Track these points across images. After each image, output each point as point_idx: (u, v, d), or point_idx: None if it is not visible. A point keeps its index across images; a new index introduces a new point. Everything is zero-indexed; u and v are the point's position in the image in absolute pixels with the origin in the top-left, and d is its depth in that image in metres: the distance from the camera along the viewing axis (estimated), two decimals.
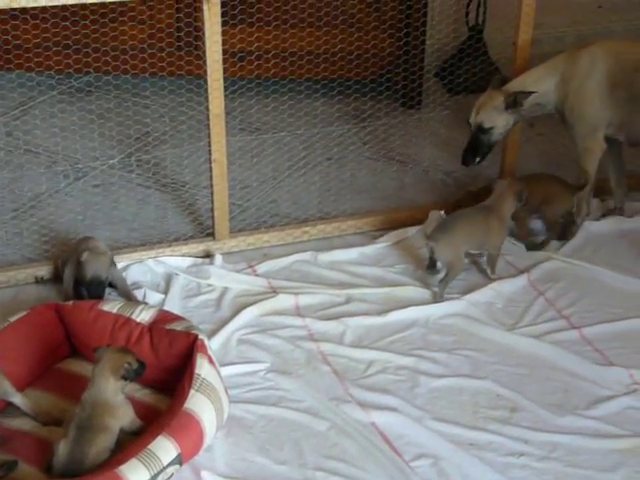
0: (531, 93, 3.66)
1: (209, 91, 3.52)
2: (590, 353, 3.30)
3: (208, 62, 3.46)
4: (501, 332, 3.40)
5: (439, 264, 3.61)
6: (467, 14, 5.17)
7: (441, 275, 3.57)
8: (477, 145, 3.79)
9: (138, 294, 3.46)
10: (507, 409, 3.07)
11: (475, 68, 5.02)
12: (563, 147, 4.61)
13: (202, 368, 2.82)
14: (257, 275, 3.66)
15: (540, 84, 3.70)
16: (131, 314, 3.07)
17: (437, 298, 3.52)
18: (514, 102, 3.67)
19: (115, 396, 2.75)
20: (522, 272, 3.70)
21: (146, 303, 3.29)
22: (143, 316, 3.07)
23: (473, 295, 3.56)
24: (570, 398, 3.11)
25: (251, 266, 3.72)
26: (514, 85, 3.74)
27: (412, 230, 3.91)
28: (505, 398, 3.11)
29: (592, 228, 3.93)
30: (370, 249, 3.82)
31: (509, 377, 3.20)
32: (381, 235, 3.92)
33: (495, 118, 3.72)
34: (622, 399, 3.10)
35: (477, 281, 3.65)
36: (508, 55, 3.98)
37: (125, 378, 2.75)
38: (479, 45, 5.13)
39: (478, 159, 3.82)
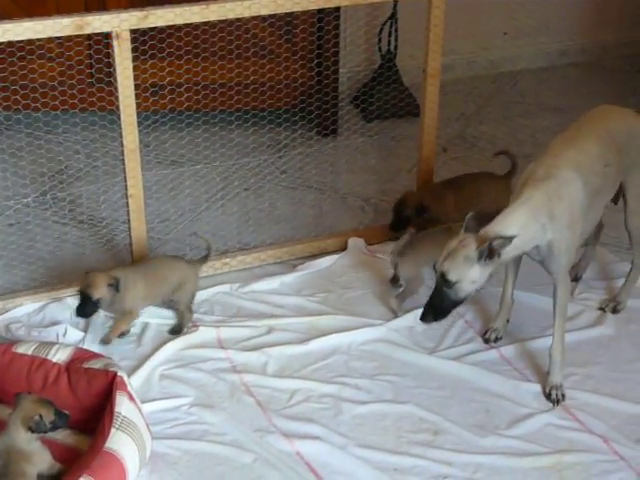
0: (511, 238, 2.97)
1: (123, 126, 3.51)
2: (510, 372, 3.35)
3: (120, 97, 3.45)
4: (422, 356, 3.43)
5: (401, 280, 3.67)
6: (379, 41, 5.24)
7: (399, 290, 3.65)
8: (440, 299, 3.10)
9: (58, 331, 3.41)
10: (430, 432, 3.09)
11: (388, 95, 5.10)
12: (478, 170, 4.69)
13: (122, 406, 2.79)
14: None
15: (526, 229, 3.04)
16: (47, 354, 3.02)
17: (394, 312, 3.60)
18: (490, 252, 2.98)
19: (28, 444, 2.71)
20: None
21: (61, 343, 3.25)
22: (59, 356, 3.02)
23: (394, 321, 3.59)
24: (492, 418, 3.15)
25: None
26: (494, 229, 3.02)
27: (333, 258, 3.94)
28: (428, 421, 3.13)
29: None
30: (290, 278, 3.83)
31: (431, 400, 3.22)
32: (301, 264, 3.93)
33: (464, 271, 3.02)
34: (542, 416, 3.15)
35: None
36: (421, 81, 4.04)
37: (32, 431, 2.70)
38: (392, 72, 5.21)
39: (439, 317, 3.19)
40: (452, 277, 3.03)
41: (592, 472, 2.93)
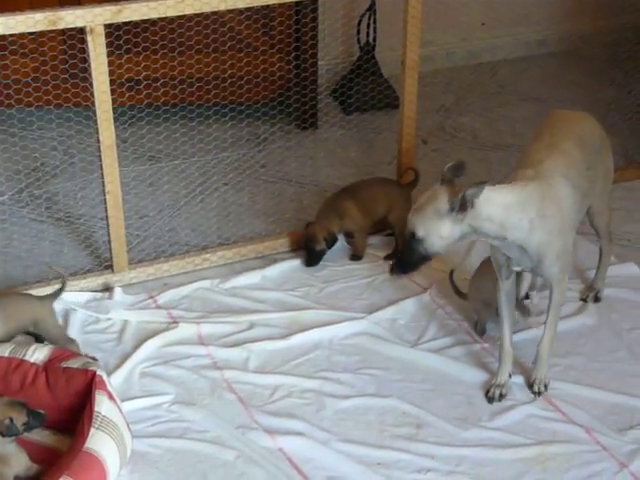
0: (484, 184, 2.83)
1: (99, 122, 3.48)
2: (492, 364, 3.33)
3: (96, 93, 3.42)
4: (405, 349, 3.42)
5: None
6: (358, 32, 5.22)
7: None
8: (409, 254, 2.93)
9: None
10: (413, 426, 3.08)
11: (368, 87, 5.07)
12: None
13: (102, 405, 2.76)
14: (158, 305, 3.62)
15: (510, 212, 2.89)
16: (24, 355, 2.98)
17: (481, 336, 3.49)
18: (462, 203, 2.80)
19: (3, 447, 2.67)
20: (424, 289, 3.72)
21: (38, 343, 3.21)
22: (37, 356, 2.99)
23: (376, 314, 3.57)
24: (474, 410, 3.14)
25: (152, 297, 3.67)
26: (472, 187, 2.83)
27: None
28: (411, 415, 3.12)
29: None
30: (271, 273, 3.81)
31: (414, 394, 3.21)
32: (282, 258, 3.91)
33: (432, 225, 2.84)
34: (524, 408, 3.14)
35: (379, 300, 3.67)
36: (400, 73, 4.01)
37: (3, 435, 2.66)
38: (371, 64, 5.19)
39: (407, 271, 3.05)
40: (420, 232, 2.85)
41: (575, 462, 2.93)
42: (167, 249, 3.96)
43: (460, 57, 5.82)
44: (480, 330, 3.49)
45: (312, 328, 3.49)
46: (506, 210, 2.88)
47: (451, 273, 3.61)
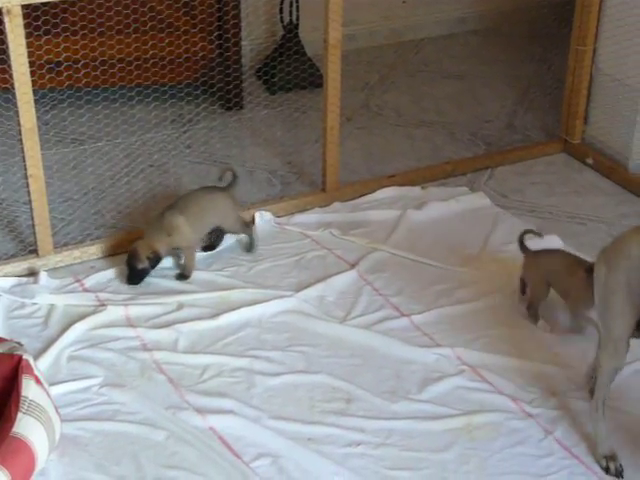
0: None
1: (19, 105, 3.42)
2: (419, 338, 3.38)
3: (15, 75, 3.36)
4: (333, 325, 3.44)
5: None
6: (281, 12, 5.21)
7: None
8: None
9: None
10: (343, 401, 3.11)
11: (291, 66, 5.07)
12: (384, 139, 4.72)
13: (29, 390, 2.73)
14: (85, 289, 3.59)
15: None
16: None
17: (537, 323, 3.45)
18: None
19: None
20: (352, 265, 3.75)
21: None
22: None
23: (304, 291, 3.59)
24: (403, 384, 3.18)
25: (78, 280, 3.64)
26: None
27: None
28: (340, 390, 3.15)
29: (413, 217, 4.03)
30: (199, 254, 3.80)
31: (343, 369, 3.24)
32: None
33: None
34: (451, 380, 3.18)
35: (307, 277, 3.68)
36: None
37: None
38: (295, 43, 5.18)
39: None
40: None
41: (502, 431, 2.99)
42: (93, 232, 3.92)
43: (383, 35, 5.85)
44: (533, 313, 3.45)
45: (241, 307, 3.49)
46: None
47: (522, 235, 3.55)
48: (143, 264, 3.59)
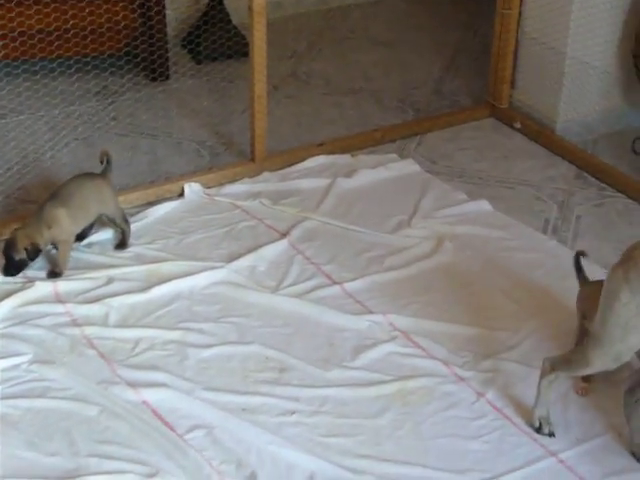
0: None
1: None
2: (352, 305, 3.39)
3: None
4: (265, 295, 3.43)
5: None
6: None
7: None
8: None
9: None
10: (276, 370, 3.10)
11: (217, 35, 5.02)
12: (312, 108, 4.71)
13: None
14: None
15: None
16: None
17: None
18: None
19: None
20: (283, 235, 3.74)
21: None
22: None
23: (235, 262, 3.57)
24: (336, 351, 3.19)
25: None
26: None
27: (170, 204, 3.87)
28: (274, 359, 3.14)
29: (343, 185, 4.03)
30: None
31: (276, 338, 3.24)
32: (138, 212, 3.85)
33: None
34: (384, 346, 3.20)
35: (238, 248, 3.66)
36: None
37: None
38: (220, 11, 5.12)
39: None
40: None
41: (434, 395, 3.01)
42: (18, 207, 3.84)
43: (310, 2, 5.81)
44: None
45: (172, 280, 3.46)
46: None
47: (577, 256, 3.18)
48: (20, 255, 3.42)
